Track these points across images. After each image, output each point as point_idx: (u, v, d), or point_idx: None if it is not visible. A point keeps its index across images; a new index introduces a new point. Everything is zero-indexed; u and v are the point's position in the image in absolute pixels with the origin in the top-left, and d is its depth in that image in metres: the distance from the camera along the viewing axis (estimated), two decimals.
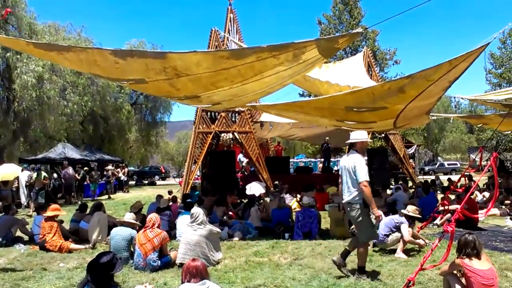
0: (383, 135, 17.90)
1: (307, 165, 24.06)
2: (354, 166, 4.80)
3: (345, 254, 5.01)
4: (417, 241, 6.22)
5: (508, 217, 9.25)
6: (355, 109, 8.00)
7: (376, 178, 16.68)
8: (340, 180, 5.13)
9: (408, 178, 16.98)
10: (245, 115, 14.76)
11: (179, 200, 10.13)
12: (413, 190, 13.15)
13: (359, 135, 5.10)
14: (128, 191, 22.10)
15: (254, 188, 11.91)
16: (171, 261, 5.63)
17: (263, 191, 11.81)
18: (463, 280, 3.61)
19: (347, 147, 5.52)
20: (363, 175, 4.73)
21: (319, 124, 14.00)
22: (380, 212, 4.77)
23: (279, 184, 13.53)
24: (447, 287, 3.79)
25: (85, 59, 5.77)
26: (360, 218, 4.80)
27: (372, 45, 31.87)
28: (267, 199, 11.14)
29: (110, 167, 20.55)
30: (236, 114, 14.83)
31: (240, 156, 19.14)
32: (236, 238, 7.40)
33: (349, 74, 12.90)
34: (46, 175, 14.29)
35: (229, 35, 14.30)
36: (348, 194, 4.89)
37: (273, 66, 5.77)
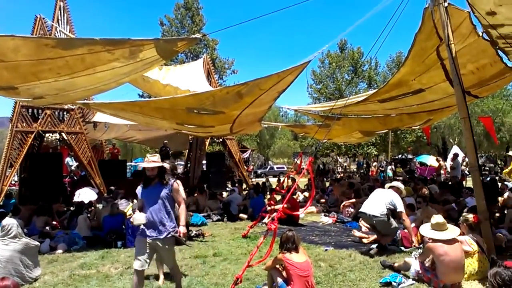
0: (221, 139, 18.66)
1: None
2: None
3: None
4: None
5: (323, 213, 10.67)
6: (195, 111, 8.10)
7: (214, 181, 17.36)
8: None
9: (242, 181, 18.08)
10: (75, 113, 13.37)
11: None
12: (246, 192, 14.07)
13: None
14: None
15: (84, 195, 10.87)
16: None
17: (95, 197, 10.90)
18: (284, 273, 3.99)
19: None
20: None
21: (159, 127, 13.71)
22: None
23: (114, 189, 12.70)
24: (270, 281, 4.13)
25: None
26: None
27: (212, 53, 33.07)
28: (99, 206, 10.30)
29: None
30: (65, 113, 13.29)
31: (69, 160, 17.24)
32: (59, 251, 6.66)
33: (189, 78, 13.01)
34: None
35: (58, 25, 12.75)
36: None
37: (107, 61, 5.37)
